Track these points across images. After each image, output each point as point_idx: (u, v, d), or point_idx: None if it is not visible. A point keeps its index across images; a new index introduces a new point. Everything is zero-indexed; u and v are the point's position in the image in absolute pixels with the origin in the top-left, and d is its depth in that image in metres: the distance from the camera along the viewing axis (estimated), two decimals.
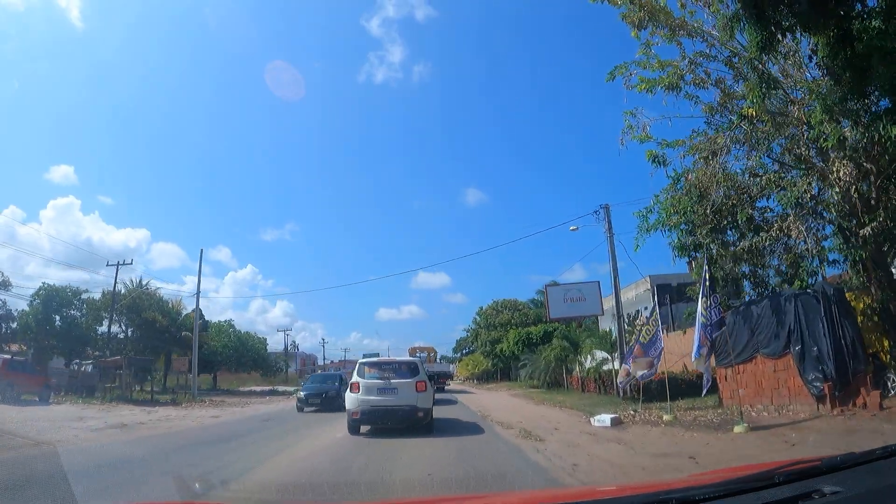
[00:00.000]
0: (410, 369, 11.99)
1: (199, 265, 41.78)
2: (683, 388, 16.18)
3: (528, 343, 41.00)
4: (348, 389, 11.89)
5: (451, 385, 53.04)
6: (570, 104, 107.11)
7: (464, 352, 73.60)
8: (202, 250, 36.40)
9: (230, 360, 46.54)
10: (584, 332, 33.26)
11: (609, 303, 35.46)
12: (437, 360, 61.62)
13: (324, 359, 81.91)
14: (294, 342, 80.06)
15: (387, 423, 11.20)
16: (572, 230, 21.75)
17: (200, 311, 44.20)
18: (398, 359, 15.39)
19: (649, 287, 31.63)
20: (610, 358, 21.48)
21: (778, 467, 2.16)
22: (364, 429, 11.38)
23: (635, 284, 34.29)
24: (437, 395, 18.55)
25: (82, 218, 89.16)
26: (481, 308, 57.47)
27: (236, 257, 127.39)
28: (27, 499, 5.46)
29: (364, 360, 12.83)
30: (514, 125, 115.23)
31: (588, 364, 27.32)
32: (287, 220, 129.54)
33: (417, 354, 55.14)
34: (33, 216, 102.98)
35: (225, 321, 48.21)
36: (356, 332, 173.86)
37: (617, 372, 18.83)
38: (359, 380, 11.51)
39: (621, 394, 17.52)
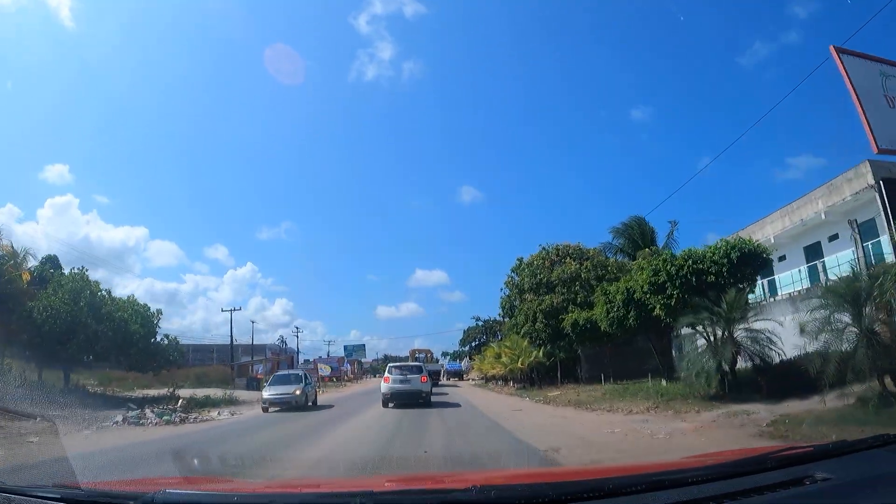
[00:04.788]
0: (418, 368, 20.70)
1: None
2: None
3: (697, 289, 15.45)
4: (382, 381, 19.77)
5: (460, 383, 53.86)
6: (563, 102, 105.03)
7: (472, 344, 65.19)
8: None
9: (64, 340, 21.74)
10: None
11: None
12: (435, 360, 67.48)
13: (297, 351, 68.40)
14: (282, 338, 71.63)
15: (404, 400, 18.10)
16: None
17: (57, 259, 27.29)
18: (410, 363, 27.73)
19: (872, 182, 18.02)
20: None
21: (770, 452, 2.21)
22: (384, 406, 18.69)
23: (841, 179, 19.70)
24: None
25: (80, 217, 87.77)
26: (521, 261, 32.19)
27: (234, 256, 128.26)
28: None
29: (392, 364, 21.73)
30: (508, 122, 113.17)
31: None
32: (283, 219, 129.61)
33: (416, 355, 60.77)
34: (31, 215, 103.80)
35: (77, 270, 24.70)
36: (355, 329, 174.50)
37: None
38: (388, 375, 19.18)
39: None
